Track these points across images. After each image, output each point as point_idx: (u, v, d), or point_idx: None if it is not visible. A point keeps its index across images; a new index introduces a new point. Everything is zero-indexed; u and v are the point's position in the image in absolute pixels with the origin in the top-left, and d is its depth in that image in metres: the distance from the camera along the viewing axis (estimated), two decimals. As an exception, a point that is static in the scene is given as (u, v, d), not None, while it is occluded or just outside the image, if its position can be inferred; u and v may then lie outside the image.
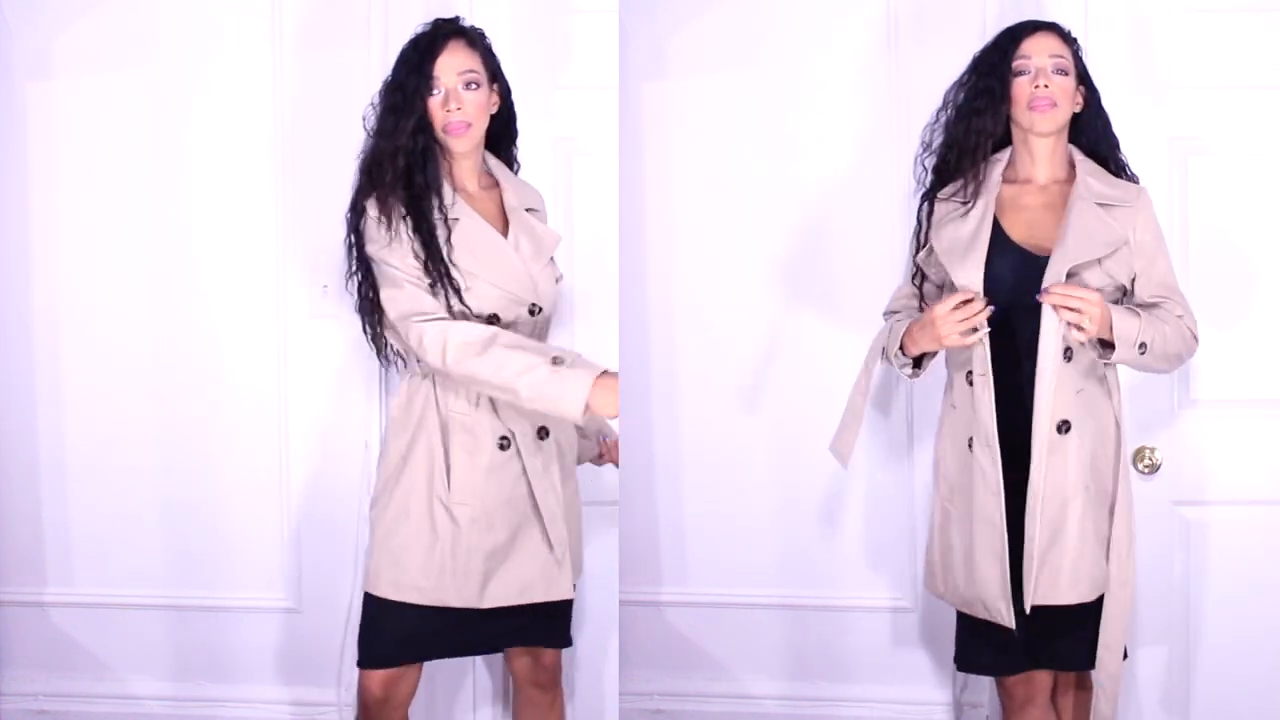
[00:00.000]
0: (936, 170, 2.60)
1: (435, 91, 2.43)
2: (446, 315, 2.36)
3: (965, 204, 2.52)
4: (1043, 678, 2.53)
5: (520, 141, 2.76)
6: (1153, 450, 2.89)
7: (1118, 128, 2.64)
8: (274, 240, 2.95)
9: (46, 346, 3.02)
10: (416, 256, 2.38)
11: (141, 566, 3.03)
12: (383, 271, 2.40)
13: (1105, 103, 2.61)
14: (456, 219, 2.43)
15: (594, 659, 2.95)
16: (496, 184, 2.56)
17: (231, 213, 2.97)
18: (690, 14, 3.09)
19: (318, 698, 3.02)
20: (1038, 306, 2.39)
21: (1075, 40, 2.55)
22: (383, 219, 2.38)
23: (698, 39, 3.09)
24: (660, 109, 3.10)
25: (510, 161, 2.64)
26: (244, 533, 3.01)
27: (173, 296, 2.99)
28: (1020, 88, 2.49)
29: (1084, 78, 2.55)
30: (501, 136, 2.60)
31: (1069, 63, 2.51)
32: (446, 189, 2.44)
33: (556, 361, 2.31)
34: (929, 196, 2.59)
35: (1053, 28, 2.54)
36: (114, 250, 3.00)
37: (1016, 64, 2.49)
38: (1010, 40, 2.52)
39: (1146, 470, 2.89)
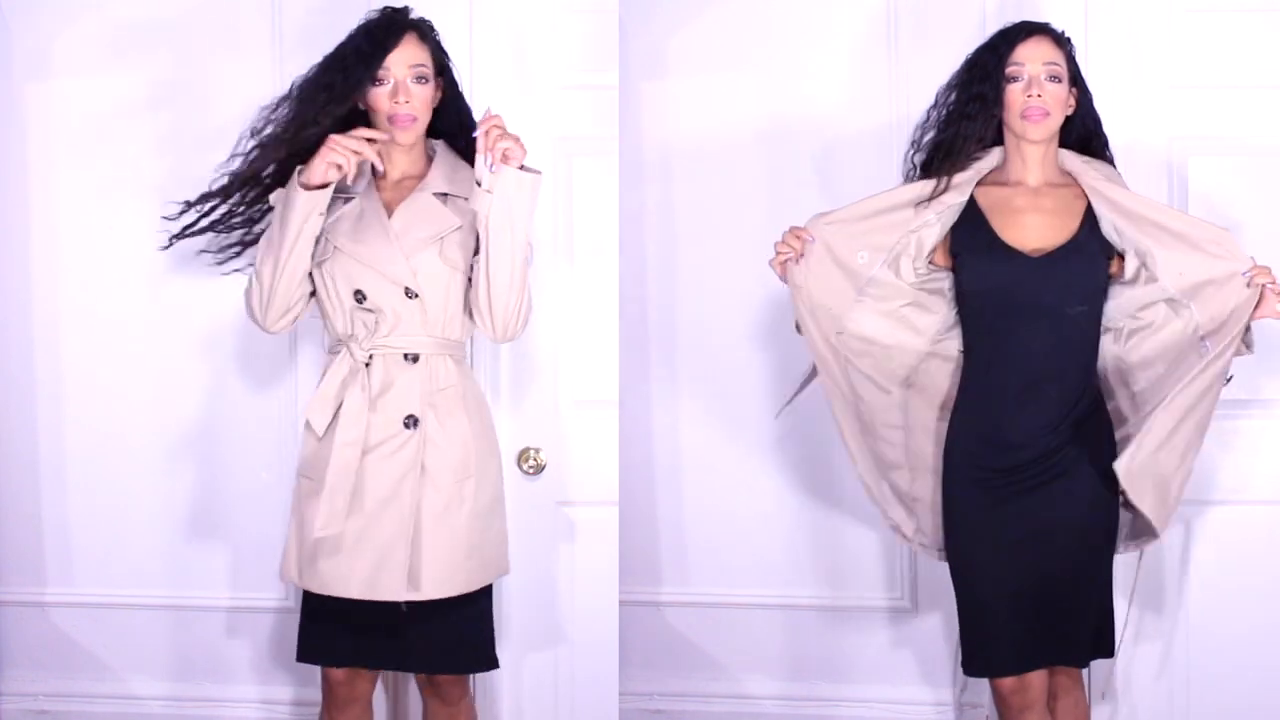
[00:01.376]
0: (924, 168, 2.61)
1: (384, 82, 2.45)
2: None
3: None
4: (1038, 683, 2.54)
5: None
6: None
7: (1118, 127, 2.64)
8: (274, 240, 2.95)
9: (46, 346, 3.02)
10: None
11: (141, 566, 3.03)
12: None
13: (1105, 102, 2.62)
14: (351, 198, 2.49)
15: (593, 659, 2.94)
16: (422, 176, 2.55)
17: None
18: (690, 14, 3.09)
19: (318, 698, 3.00)
20: (1036, 308, 2.46)
21: (1069, 41, 2.55)
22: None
23: (698, 39, 3.09)
24: (661, 108, 3.10)
25: (471, 151, 2.59)
26: (244, 533, 3.01)
27: (173, 296, 2.99)
28: (1013, 95, 2.50)
29: (1076, 78, 2.55)
30: (455, 127, 2.58)
31: (1063, 69, 2.51)
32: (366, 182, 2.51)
33: None
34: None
35: (1046, 31, 2.53)
36: (114, 250, 2.99)
37: (1010, 70, 2.50)
38: (1005, 44, 2.52)
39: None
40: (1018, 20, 2.60)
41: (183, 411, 3.01)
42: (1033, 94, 2.47)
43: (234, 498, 3.01)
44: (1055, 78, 2.49)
